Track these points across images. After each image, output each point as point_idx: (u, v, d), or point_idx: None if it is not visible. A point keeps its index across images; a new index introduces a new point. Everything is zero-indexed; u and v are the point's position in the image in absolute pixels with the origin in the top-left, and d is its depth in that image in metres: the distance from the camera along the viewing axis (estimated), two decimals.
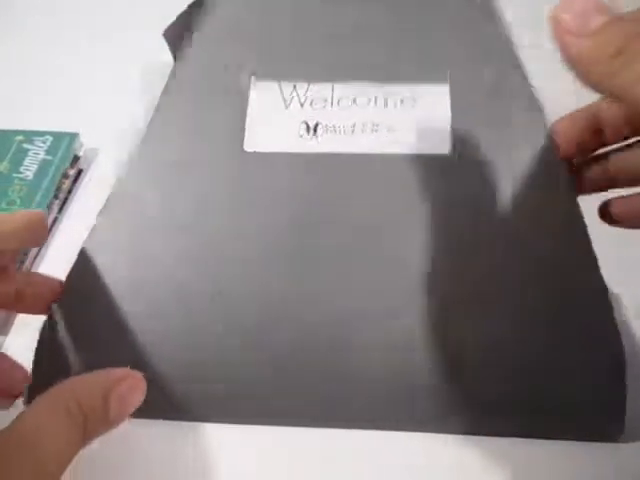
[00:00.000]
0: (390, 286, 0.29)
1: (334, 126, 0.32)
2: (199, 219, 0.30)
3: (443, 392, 0.27)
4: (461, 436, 0.26)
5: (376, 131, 0.32)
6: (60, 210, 0.39)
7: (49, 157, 0.39)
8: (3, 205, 0.37)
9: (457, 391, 0.27)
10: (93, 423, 0.22)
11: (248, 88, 0.33)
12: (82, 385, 0.22)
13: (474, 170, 0.30)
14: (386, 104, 0.32)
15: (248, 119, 0.32)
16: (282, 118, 0.32)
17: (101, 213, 0.31)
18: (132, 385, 0.23)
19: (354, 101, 0.32)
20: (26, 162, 0.39)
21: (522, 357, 0.27)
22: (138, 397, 0.23)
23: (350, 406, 0.27)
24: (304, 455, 0.26)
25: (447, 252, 0.29)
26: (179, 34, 0.34)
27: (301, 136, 0.32)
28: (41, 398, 0.21)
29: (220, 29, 0.35)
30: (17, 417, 0.20)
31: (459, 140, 0.31)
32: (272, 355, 0.28)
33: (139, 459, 0.26)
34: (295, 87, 0.33)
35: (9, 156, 0.39)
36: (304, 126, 0.32)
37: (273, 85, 0.33)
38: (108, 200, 0.31)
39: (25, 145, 0.39)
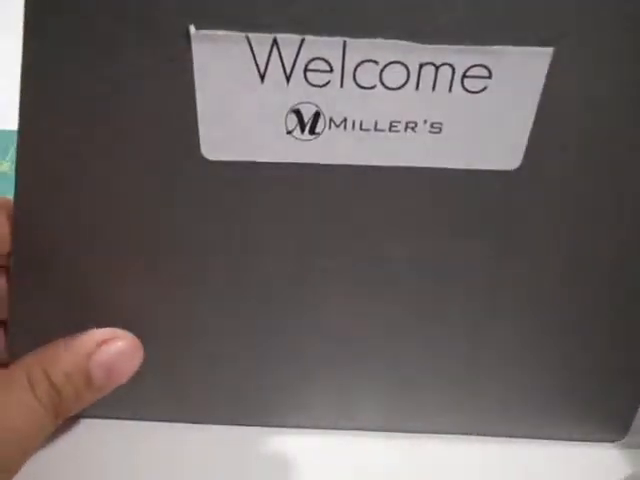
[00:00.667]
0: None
1: (345, 118, 0.20)
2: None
3: (449, 389, 0.27)
4: (460, 436, 0.28)
5: (413, 130, 0.20)
6: None
7: None
8: None
9: (465, 389, 0.27)
10: (70, 396, 0.19)
11: (187, 49, 0.18)
12: (52, 354, 0.20)
13: (549, 197, 0.21)
14: (434, 84, 0.19)
15: (199, 105, 0.19)
16: (254, 100, 0.19)
17: None
18: (121, 348, 0.20)
19: (380, 75, 0.19)
20: None
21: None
22: (131, 361, 0.21)
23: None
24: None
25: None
26: None
27: (289, 132, 0.20)
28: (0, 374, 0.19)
29: None
30: None
31: (539, 149, 0.20)
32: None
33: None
34: (276, 43, 0.18)
35: (10, 156, 0.39)
36: (293, 116, 0.20)
37: (234, 39, 0.18)
38: None
39: None
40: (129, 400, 0.24)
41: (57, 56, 0.18)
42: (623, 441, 0.27)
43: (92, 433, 0.25)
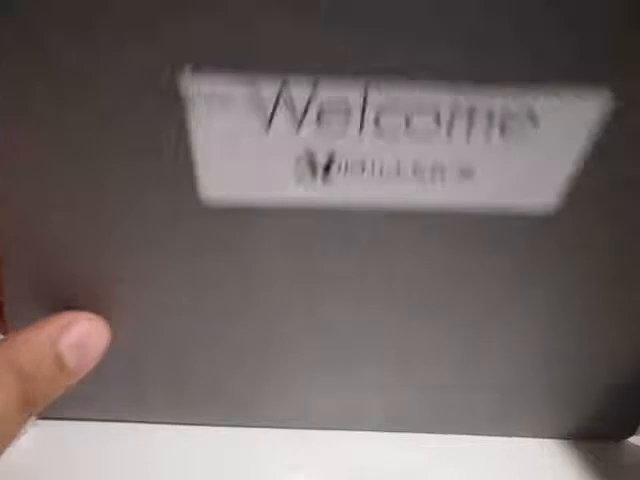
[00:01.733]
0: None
1: (363, 162, 0.17)
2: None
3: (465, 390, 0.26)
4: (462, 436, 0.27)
5: (442, 178, 0.18)
6: None
7: None
8: None
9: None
10: (45, 382, 0.19)
11: (185, 95, 0.16)
12: (18, 340, 0.19)
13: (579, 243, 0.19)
14: (468, 130, 0.17)
15: (198, 152, 0.17)
16: (259, 146, 0.17)
17: None
18: (87, 328, 0.20)
19: (407, 119, 0.16)
20: None
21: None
22: (99, 341, 0.20)
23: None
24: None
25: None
26: None
27: (299, 180, 0.18)
28: None
29: None
30: None
31: (576, 193, 0.18)
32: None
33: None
34: (286, 86, 0.16)
35: None
36: (306, 162, 0.17)
37: (236, 82, 0.16)
38: None
39: None
40: (130, 402, 0.22)
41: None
42: (631, 439, 0.26)
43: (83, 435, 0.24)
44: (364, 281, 0.19)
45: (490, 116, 0.16)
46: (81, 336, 0.19)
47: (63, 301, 0.20)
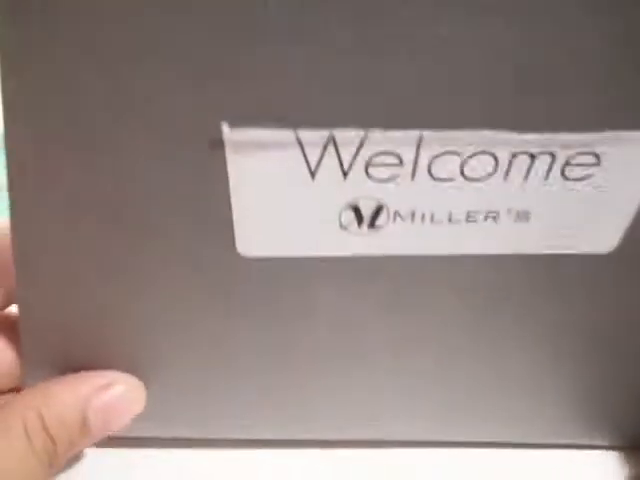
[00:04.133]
0: None
1: (414, 212, 0.16)
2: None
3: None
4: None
5: (494, 220, 0.17)
6: None
7: None
8: None
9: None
10: (64, 444, 0.18)
11: (220, 150, 0.14)
12: (47, 396, 0.18)
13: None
14: (527, 174, 0.15)
15: (235, 208, 0.16)
16: (301, 199, 0.16)
17: None
18: (121, 393, 0.19)
19: (462, 166, 0.15)
20: None
21: None
22: (130, 407, 0.19)
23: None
24: None
25: None
26: None
27: (344, 228, 0.16)
28: None
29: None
30: None
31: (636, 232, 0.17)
32: None
33: None
34: (333, 141, 0.15)
35: None
36: (350, 211, 0.16)
37: (278, 138, 0.14)
38: None
39: None
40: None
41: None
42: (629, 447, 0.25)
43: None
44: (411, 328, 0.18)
45: (552, 159, 0.15)
46: (112, 401, 0.19)
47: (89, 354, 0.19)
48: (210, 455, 0.23)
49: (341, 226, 0.16)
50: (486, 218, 0.16)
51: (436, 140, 0.14)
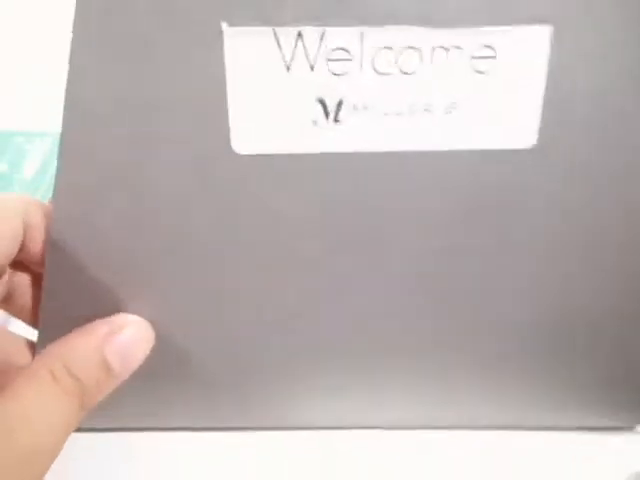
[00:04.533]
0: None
1: (365, 104, 0.21)
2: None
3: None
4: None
5: (429, 112, 0.21)
6: None
7: (49, 158, 0.39)
8: None
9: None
10: (92, 385, 0.20)
11: (219, 45, 0.20)
12: (68, 346, 0.21)
13: (566, 174, 0.22)
14: (447, 65, 0.21)
15: (230, 98, 0.21)
16: (281, 91, 0.21)
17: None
18: (133, 333, 0.22)
19: (396, 60, 0.20)
20: (26, 162, 0.39)
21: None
22: (143, 346, 0.22)
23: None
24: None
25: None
26: None
27: (315, 123, 0.21)
28: (21, 371, 0.20)
29: None
30: None
31: (552, 127, 0.21)
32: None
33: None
34: (301, 35, 0.20)
35: (9, 157, 0.39)
36: (319, 106, 0.21)
37: (262, 33, 0.20)
38: None
39: (25, 145, 0.40)
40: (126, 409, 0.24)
41: (99, 57, 0.19)
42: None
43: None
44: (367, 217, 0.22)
45: (460, 52, 0.20)
46: (126, 342, 0.21)
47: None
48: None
49: (313, 121, 0.21)
50: (424, 111, 0.21)
51: (374, 35, 0.20)
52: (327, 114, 0.21)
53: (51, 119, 0.39)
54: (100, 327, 0.21)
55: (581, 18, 0.20)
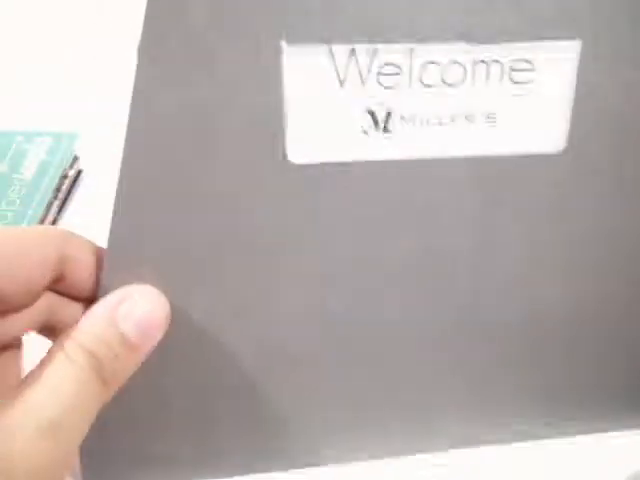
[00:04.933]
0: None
1: (414, 115, 0.23)
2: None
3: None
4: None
5: (470, 121, 0.23)
6: (60, 211, 0.39)
7: (49, 157, 0.39)
8: (3, 205, 0.37)
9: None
10: (111, 358, 0.20)
11: (278, 62, 0.21)
12: (80, 325, 0.20)
13: (592, 180, 0.24)
14: (487, 77, 0.22)
15: (287, 111, 0.22)
16: (335, 104, 0.22)
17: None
18: (145, 303, 0.21)
19: (442, 73, 0.22)
20: (26, 162, 0.39)
21: None
22: (158, 314, 0.21)
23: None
24: None
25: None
26: None
27: (365, 132, 0.23)
28: (37, 365, 0.20)
29: None
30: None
31: (579, 134, 0.23)
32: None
33: None
34: (354, 52, 0.21)
35: (9, 156, 0.40)
36: (368, 117, 0.22)
37: (317, 50, 0.21)
38: None
39: (25, 145, 0.40)
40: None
41: (165, 73, 0.21)
42: None
43: None
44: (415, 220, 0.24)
45: (501, 66, 0.22)
46: (140, 312, 0.21)
47: None
48: None
49: (363, 131, 0.22)
50: (467, 121, 0.23)
51: (422, 51, 0.21)
52: (377, 124, 0.22)
53: (51, 119, 0.41)
54: (109, 300, 0.21)
55: (608, 33, 0.22)
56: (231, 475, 0.26)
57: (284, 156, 0.22)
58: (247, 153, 0.22)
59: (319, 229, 0.24)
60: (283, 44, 0.21)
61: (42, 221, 0.37)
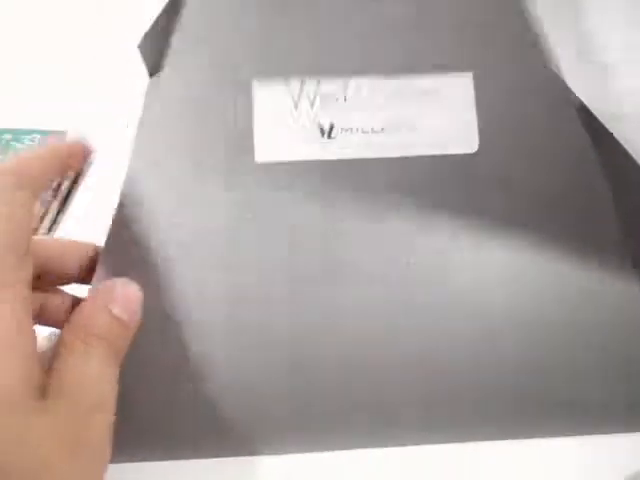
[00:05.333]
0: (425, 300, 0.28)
1: (351, 127, 0.30)
2: (204, 248, 0.29)
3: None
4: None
5: (398, 131, 0.29)
6: (59, 211, 0.37)
7: None
8: None
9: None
10: (114, 337, 0.23)
11: (249, 90, 0.30)
12: (82, 315, 0.23)
13: (502, 170, 0.29)
14: (405, 99, 0.30)
15: (256, 126, 0.30)
16: (291, 119, 0.30)
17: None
18: (125, 289, 0.24)
19: (370, 97, 0.30)
20: None
21: None
22: (137, 296, 0.25)
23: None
24: None
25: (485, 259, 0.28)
26: (157, 43, 0.31)
27: (314, 139, 0.30)
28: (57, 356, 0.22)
29: (208, 28, 0.31)
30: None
31: (486, 138, 0.29)
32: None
33: None
34: (303, 83, 0.30)
35: None
36: (317, 128, 0.30)
37: (279, 83, 0.30)
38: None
39: (13, 143, 0.39)
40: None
41: (164, 114, 0.31)
42: None
43: None
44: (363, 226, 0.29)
45: (415, 87, 0.30)
46: (124, 296, 0.24)
47: None
48: None
49: (314, 139, 0.31)
50: (393, 130, 0.30)
51: (353, 83, 0.31)
52: (323, 133, 0.30)
53: (39, 116, 0.39)
54: (98, 292, 0.25)
55: (499, 65, 0.30)
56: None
57: (253, 158, 0.30)
58: (225, 160, 0.30)
59: (286, 221, 0.29)
60: (254, 82, 0.31)
61: (42, 219, 0.36)
